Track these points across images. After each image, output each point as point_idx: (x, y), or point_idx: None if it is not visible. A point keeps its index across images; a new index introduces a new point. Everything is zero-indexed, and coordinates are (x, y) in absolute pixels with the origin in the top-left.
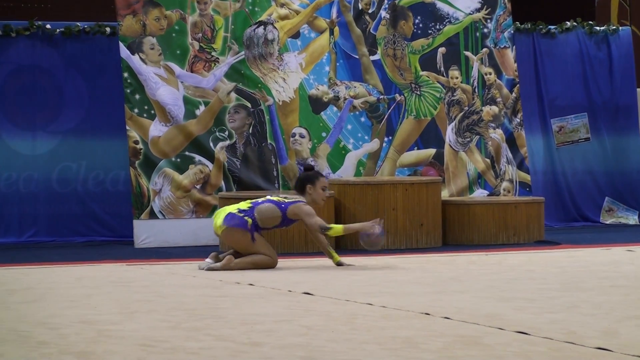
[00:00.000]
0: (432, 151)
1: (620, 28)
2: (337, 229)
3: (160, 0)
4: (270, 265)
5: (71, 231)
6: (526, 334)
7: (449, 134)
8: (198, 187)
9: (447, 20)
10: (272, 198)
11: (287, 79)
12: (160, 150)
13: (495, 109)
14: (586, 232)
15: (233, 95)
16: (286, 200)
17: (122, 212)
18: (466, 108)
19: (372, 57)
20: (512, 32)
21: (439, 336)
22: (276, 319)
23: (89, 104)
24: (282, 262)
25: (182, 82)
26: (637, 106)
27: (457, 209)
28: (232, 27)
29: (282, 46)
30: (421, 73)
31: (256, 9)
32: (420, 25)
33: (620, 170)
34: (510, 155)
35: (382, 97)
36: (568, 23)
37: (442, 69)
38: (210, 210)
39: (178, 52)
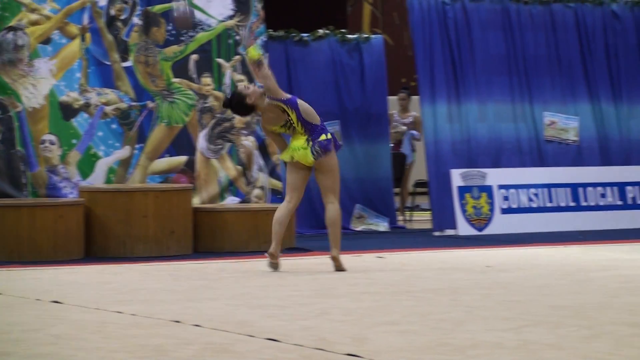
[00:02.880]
0: (183, 158)
1: (372, 36)
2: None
3: None
4: None
5: None
6: (277, 341)
7: (201, 141)
8: None
9: (199, 27)
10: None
11: (37, 85)
12: None
13: (247, 116)
14: None
15: None
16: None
17: None
18: (218, 115)
19: (124, 64)
20: (265, 39)
21: (189, 344)
22: (24, 328)
23: None
24: (29, 271)
25: None
26: (388, 113)
27: (209, 216)
28: None
29: (32, 52)
30: (173, 80)
31: (6, 14)
32: (173, 32)
33: (371, 177)
34: (262, 162)
35: (133, 103)
36: (320, 31)
37: (195, 75)
38: None
39: None
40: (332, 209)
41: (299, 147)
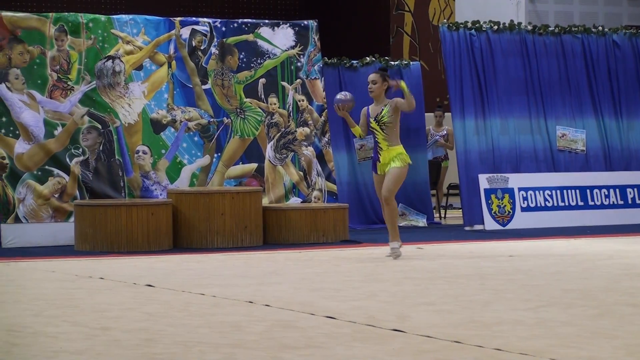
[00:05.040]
0: (254, 165)
1: (411, 63)
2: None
3: (24, 37)
4: None
5: None
6: (333, 318)
7: (269, 151)
8: (56, 196)
9: (266, 56)
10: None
11: (132, 105)
12: (24, 165)
13: (307, 130)
14: (383, 232)
15: (86, 118)
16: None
17: None
18: (283, 129)
19: (204, 87)
20: (321, 65)
21: (260, 321)
22: (123, 307)
23: None
24: (127, 260)
25: (42, 107)
26: (425, 127)
27: (276, 214)
28: (85, 60)
29: (127, 77)
30: (245, 100)
31: (105, 45)
32: (244, 59)
33: (411, 181)
34: (319, 168)
35: (212, 120)
36: (368, 58)
37: (263, 96)
38: (67, 215)
39: (39, 81)
40: None
41: None
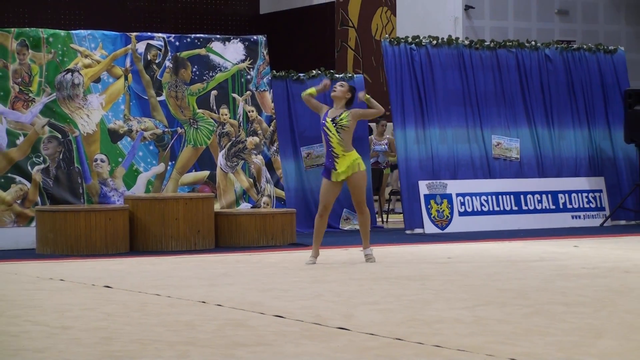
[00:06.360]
0: (206, 173)
1: (355, 75)
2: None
3: None
4: None
5: None
6: (282, 317)
7: (220, 159)
8: (19, 202)
9: (218, 69)
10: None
11: (90, 115)
12: None
13: (256, 139)
14: (329, 236)
15: (47, 128)
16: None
17: None
18: (234, 138)
19: (159, 98)
20: (270, 78)
21: (213, 320)
22: (82, 307)
23: None
24: (86, 263)
25: (5, 117)
26: (368, 137)
27: (227, 219)
28: (46, 73)
29: (86, 89)
30: (198, 111)
31: (65, 59)
32: (197, 72)
33: None
34: (268, 175)
35: (166, 129)
36: (314, 71)
37: (214, 107)
38: (29, 220)
39: (2, 93)
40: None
41: None
